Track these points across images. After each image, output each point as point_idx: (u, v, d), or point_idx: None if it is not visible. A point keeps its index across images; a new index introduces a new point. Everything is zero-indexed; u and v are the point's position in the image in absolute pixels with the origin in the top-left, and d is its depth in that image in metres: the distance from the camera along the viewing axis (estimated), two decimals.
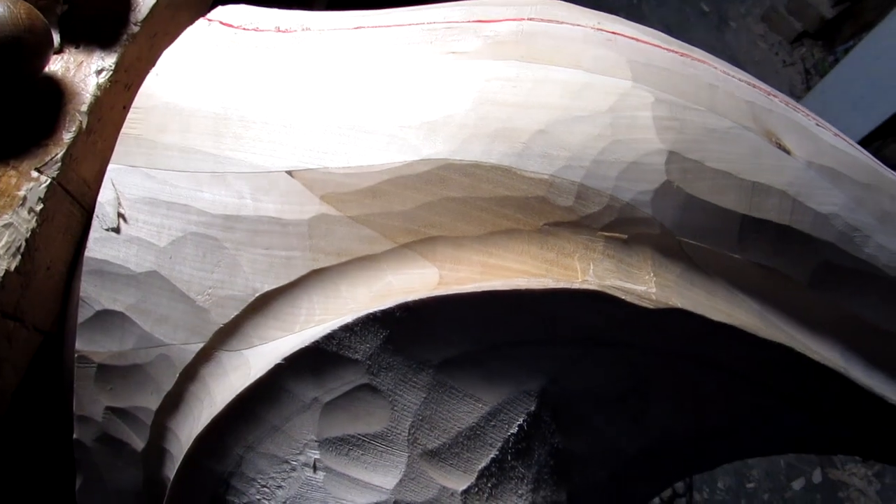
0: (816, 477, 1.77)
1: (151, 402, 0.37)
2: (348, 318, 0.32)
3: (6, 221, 0.37)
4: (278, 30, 0.42)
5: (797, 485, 1.76)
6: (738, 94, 0.37)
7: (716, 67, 0.39)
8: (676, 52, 0.39)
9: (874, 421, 0.40)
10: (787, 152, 0.37)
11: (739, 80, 0.39)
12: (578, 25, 0.39)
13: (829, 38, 2.21)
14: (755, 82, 0.41)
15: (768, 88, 0.41)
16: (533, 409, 0.33)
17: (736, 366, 0.36)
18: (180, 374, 0.36)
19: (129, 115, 0.38)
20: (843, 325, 0.38)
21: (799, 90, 2.18)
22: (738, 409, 0.38)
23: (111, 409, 0.38)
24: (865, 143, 2.01)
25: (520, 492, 0.34)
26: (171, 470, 0.38)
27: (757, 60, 2.21)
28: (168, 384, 0.36)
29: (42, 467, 0.48)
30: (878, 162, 0.43)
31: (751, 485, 1.75)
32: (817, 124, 0.41)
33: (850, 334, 0.38)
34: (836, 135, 0.41)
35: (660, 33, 0.42)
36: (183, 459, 0.35)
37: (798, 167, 0.36)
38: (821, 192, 0.36)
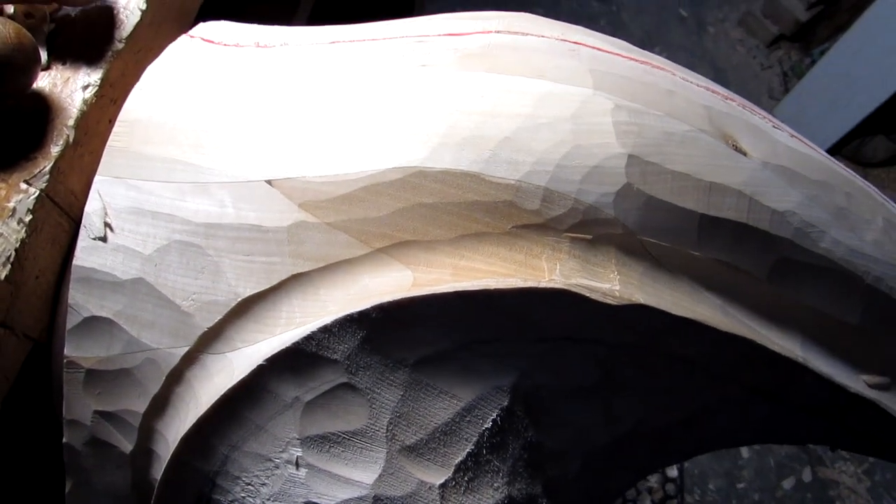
0: (806, 476, 1.79)
1: (139, 405, 0.38)
2: (327, 320, 0.33)
3: None
4: (258, 45, 0.44)
5: (787, 484, 1.78)
6: (695, 98, 0.39)
7: (674, 74, 0.41)
8: (637, 60, 0.41)
9: (837, 410, 0.42)
10: (744, 153, 0.39)
11: (697, 85, 0.41)
12: (543, 37, 0.40)
13: (806, 41, 2.25)
14: (713, 87, 0.43)
15: (726, 93, 0.43)
16: (506, 403, 0.35)
17: (701, 359, 0.38)
18: (166, 378, 0.37)
19: (115, 129, 0.40)
20: (802, 317, 0.40)
21: (777, 92, 2.22)
22: (705, 401, 0.40)
23: (100, 413, 0.39)
24: (844, 142, 2.05)
25: (496, 485, 0.36)
26: (159, 471, 0.39)
27: (735, 64, 2.25)
28: (155, 387, 0.38)
29: (32, 472, 0.49)
30: (834, 160, 0.45)
31: (741, 485, 1.77)
32: (774, 126, 0.43)
33: (809, 326, 0.40)
34: (791, 135, 0.43)
35: (622, 42, 0.44)
36: (170, 459, 0.37)
37: (754, 167, 0.38)
38: (776, 191, 0.38)
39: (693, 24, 2.30)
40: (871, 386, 0.42)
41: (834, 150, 2.05)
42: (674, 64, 0.44)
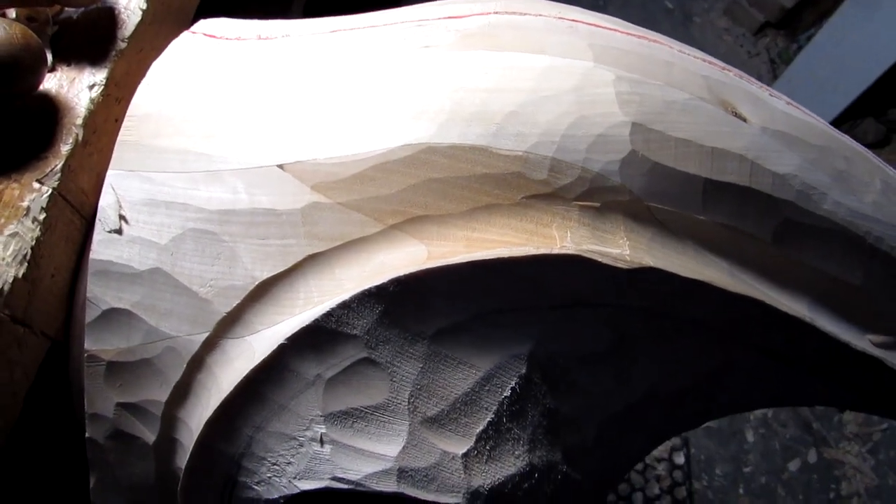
0: (812, 457, 1.80)
1: (160, 394, 0.39)
2: (345, 296, 0.34)
3: (12, 231, 0.39)
4: (260, 38, 0.44)
5: (793, 466, 1.79)
6: (693, 69, 0.40)
7: (671, 47, 0.42)
8: (634, 35, 0.42)
9: (844, 369, 0.43)
10: (743, 119, 0.39)
11: (694, 57, 0.42)
12: (541, 16, 0.41)
13: (791, 27, 2.27)
14: (710, 59, 0.44)
15: (722, 64, 0.44)
16: (523, 371, 0.35)
17: (711, 321, 0.38)
18: (187, 365, 0.38)
19: (124, 124, 0.40)
20: (807, 278, 0.41)
21: (766, 79, 2.24)
22: (716, 364, 0.41)
23: (122, 405, 0.40)
24: (834, 125, 2.07)
25: (516, 452, 0.36)
26: (183, 460, 0.39)
27: (723, 53, 2.27)
28: (176, 375, 0.38)
29: (54, 471, 0.49)
30: (831, 126, 0.46)
31: (748, 469, 1.77)
32: (770, 94, 0.44)
33: (814, 287, 0.41)
34: (788, 103, 0.44)
35: (618, 20, 0.45)
36: (194, 445, 0.37)
37: (754, 132, 0.39)
38: (777, 155, 0.39)
39: (679, 16, 2.32)
40: (877, 345, 0.43)
41: None
42: (669, 39, 0.45)
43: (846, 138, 0.44)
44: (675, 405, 0.41)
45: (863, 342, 0.42)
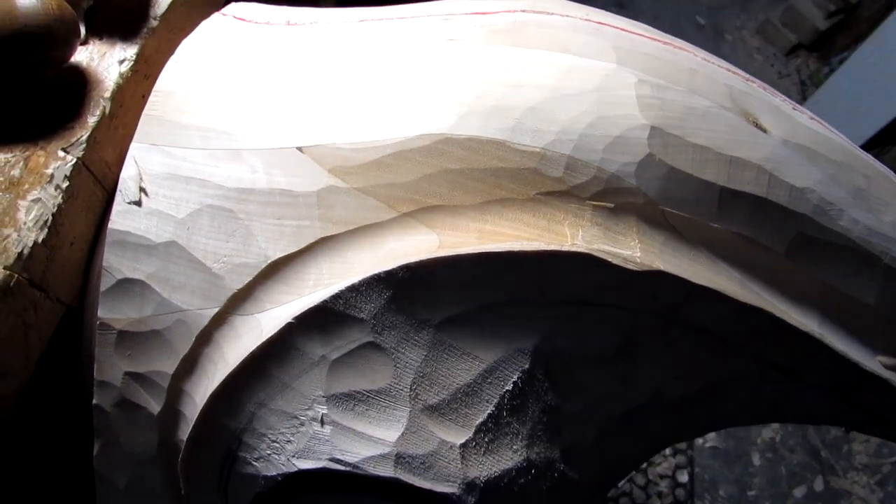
0: (818, 485, 1.77)
1: (168, 365, 0.39)
2: (354, 280, 0.34)
3: (35, 196, 0.40)
4: (288, 23, 0.45)
5: (799, 493, 1.76)
6: (717, 77, 0.40)
7: (696, 55, 0.42)
8: (660, 41, 0.42)
9: (851, 389, 0.43)
10: (764, 131, 0.39)
11: (719, 66, 0.42)
12: (567, 16, 0.41)
13: (824, 50, 2.25)
14: (734, 70, 0.43)
15: (746, 75, 0.44)
16: (527, 366, 0.35)
17: (720, 331, 0.38)
18: (196, 338, 0.38)
19: (150, 98, 0.41)
20: (820, 294, 0.40)
21: (795, 101, 2.22)
22: (722, 374, 0.40)
23: (130, 375, 0.40)
24: None
25: (515, 447, 0.36)
26: (185, 432, 0.40)
27: (753, 72, 2.24)
28: (184, 348, 0.39)
29: (61, 436, 0.50)
30: (853, 144, 0.46)
31: (752, 492, 1.75)
32: (794, 108, 0.43)
33: (826, 303, 0.40)
34: (811, 118, 0.44)
35: (646, 25, 0.45)
36: (198, 417, 0.38)
37: (774, 144, 0.39)
38: (796, 168, 0.39)
39: (710, 32, 2.31)
40: (887, 367, 0.43)
41: None
42: (696, 47, 0.45)
43: (868, 157, 0.44)
44: (679, 412, 0.41)
45: (872, 363, 0.42)
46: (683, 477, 1.71)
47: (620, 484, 1.70)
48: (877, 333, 0.42)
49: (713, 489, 1.74)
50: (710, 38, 2.30)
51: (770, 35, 2.30)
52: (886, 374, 0.42)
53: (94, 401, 0.42)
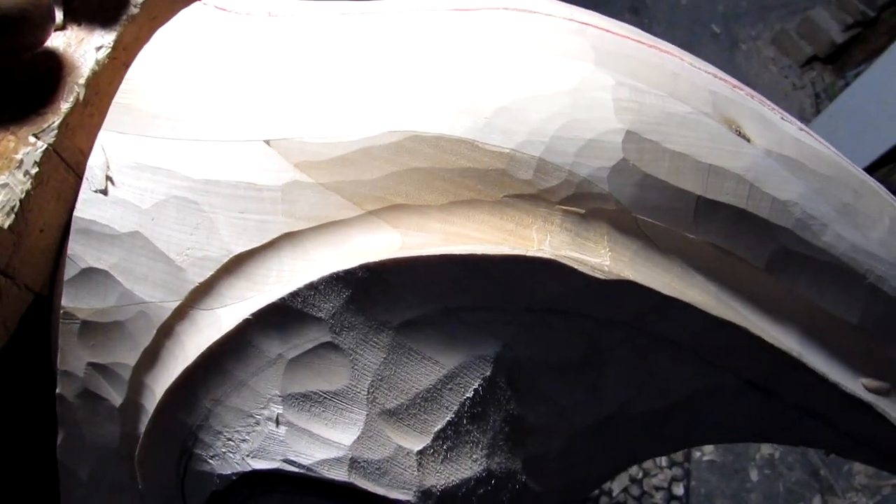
0: None
1: (130, 357, 0.39)
2: (313, 277, 0.33)
3: (2, 182, 0.39)
4: (269, 14, 0.44)
5: None
6: (700, 83, 0.39)
7: (682, 59, 0.41)
8: (644, 44, 0.41)
9: (832, 411, 0.41)
10: (748, 140, 0.38)
11: (705, 71, 0.41)
12: (550, 15, 0.40)
13: (840, 63, 2.22)
14: (722, 76, 0.42)
15: (734, 82, 0.43)
16: (488, 373, 0.34)
17: (692, 344, 0.37)
18: (157, 331, 0.38)
19: (122, 86, 0.40)
20: (800, 311, 0.39)
21: (808, 113, 2.19)
22: (695, 388, 0.39)
23: (92, 365, 0.40)
24: (874, 168, 2.01)
25: (474, 456, 0.35)
26: (146, 423, 0.39)
27: (766, 83, 2.22)
28: (146, 340, 0.38)
29: (27, 424, 0.49)
30: (843, 157, 0.44)
31: None
32: (782, 118, 0.42)
33: (806, 321, 0.39)
34: (800, 129, 0.43)
35: (633, 28, 0.44)
36: (154, 411, 0.37)
37: (757, 154, 0.37)
38: (779, 180, 0.38)
39: (725, 41, 2.28)
40: (870, 390, 0.41)
41: None
42: (683, 51, 0.44)
43: (859, 171, 0.43)
44: (651, 426, 0.40)
45: (854, 385, 0.41)
46: (679, 490, 1.69)
47: (615, 494, 1.68)
48: (859, 354, 0.41)
49: (709, 503, 1.72)
50: (724, 47, 2.27)
51: (785, 46, 2.27)
52: (869, 397, 0.40)
53: (58, 390, 0.42)
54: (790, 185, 0.38)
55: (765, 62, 2.26)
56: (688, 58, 0.42)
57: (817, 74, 2.24)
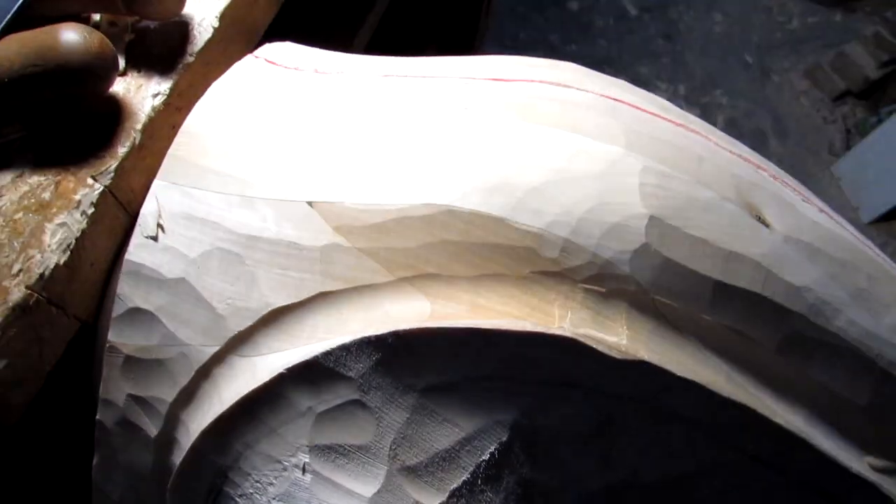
0: None
1: (168, 394, 0.41)
2: (346, 339, 0.35)
3: (61, 221, 0.42)
4: (316, 71, 0.47)
5: None
6: (724, 166, 0.40)
7: (708, 139, 0.43)
8: (673, 122, 0.42)
9: (838, 489, 0.42)
10: (766, 225, 0.40)
11: (730, 152, 0.43)
12: (585, 91, 0.42)
13: (873, 99, 2.20)
14: (746, 155, 0.44)
15: (759, 161, 0.44)
16: (505, 438, 0.36)
17: (702, 421, 0.39)
18: (196, 372, 0.40)
19: (177, 139, 0.43)
20: (810, 393, 0.40)
21: (838, 149, 2.17)
22: (702, 462, 0.41)
23: (132, 397, 0.42)
24: None
25: None
26: (179, 457, 0.42)
27: (797, 116, 2.21)
28: (184, 380, 0.41)
29: (66, 445, 0.52)
30: (863, 240, 0.45)
31: None
32: (803, 199, 0.44)
33: (816, 401, 0.40)
34: (820, 210, 0.44)
35: (661, 100, 0.45)
36: (188, 450, 0.39)
37: (775, 240, 0.39)
38: (795, 266, 0.39)
39: (757, 71, 2.28)
40: (876, 469, 0.42)
41: (891, 215, 2.00)
42: (709, 127, 0.45)
43: (877, 255, 0.44)
44: (657, 495, 0.41)
45: (860, 464, 0.42)
46: None
47: None
48: (867, 434, 0.42)
49: None
50: (755, 78, 2.27)
51: (819, 79, 2.26)
52: (874, 476, 0.42)
53: (98, 416, 0.45)
54: (806, 270, 0.39)
55: (796, 95, 2.25)
56: (714, 136, 0.44)
57: (850, 110, 2.23)
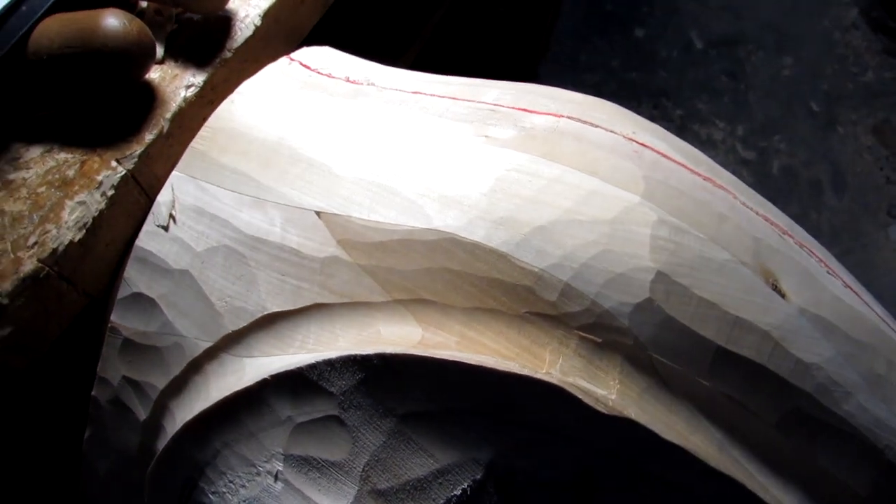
0: None
1: (160, 381, 0.42)
2: (332, 354, 0.35)
3: (81, 199, 0.43)
4: (347, 79, 0.47)
5: None
6: (746, 227, 0.39)
7: (736, 197, 0.41)
8: (699, 175, 0.41)
9: None
10: (782, 295, 0.38)
11: (756, 213, 0.41)
12: (612, 132, 0.41)
13: None
14: (773, 218, 0.42)
15: (786, 226, 0.42)
16: (479, 477, 0.36)
17: (686, 488, 0.37)
18: (188, 364, 0.41)
19: (200, 132, 0.44)
20: (806, 473, 0.38)
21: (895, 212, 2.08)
22: None
23: (126, 379, 0.43)
24: None
25: None
26: (163, 443, 0.42)
27: (858, 171, 2.13)
28: (176, 370, 0.41)
29: (62, 414, 0.53)
30: (893, 323, 0.43)
31: None
32: (829, 272, 0.42)
33: (812, 484, 0.38)
34: (846, 285, 0.42)
35: (694, 151, 0.44)
36: (171, 438, 0.40)
37: (789, 312, 0.37)
38: (808, 341, 0.37)
39: (822, 121, 2.20)
40: None
41: None
42: (741, 185, 0.44)
43: None
44: None
45: None
46: None
47: None
48: None
49: None
50: (819, 127, 2.19)
51: (886, 136, 2.17)
52: None
53: (93, 392, 0.45)
54: (818, 347, 0.37)
55: (860, 150, 2.17)
56: (742, 195, 0.42)
57: None
